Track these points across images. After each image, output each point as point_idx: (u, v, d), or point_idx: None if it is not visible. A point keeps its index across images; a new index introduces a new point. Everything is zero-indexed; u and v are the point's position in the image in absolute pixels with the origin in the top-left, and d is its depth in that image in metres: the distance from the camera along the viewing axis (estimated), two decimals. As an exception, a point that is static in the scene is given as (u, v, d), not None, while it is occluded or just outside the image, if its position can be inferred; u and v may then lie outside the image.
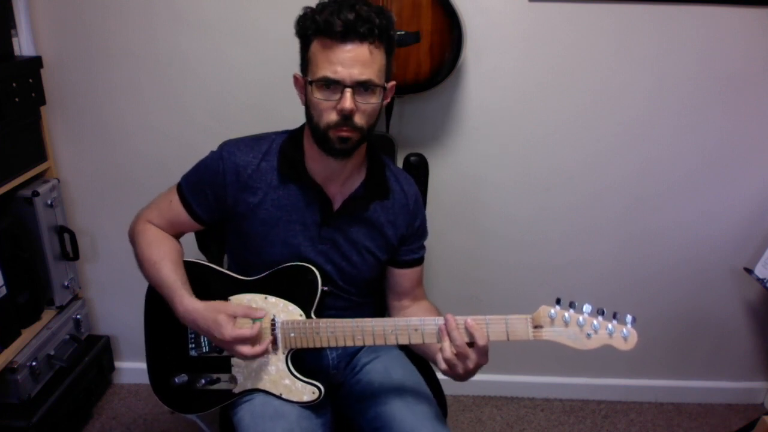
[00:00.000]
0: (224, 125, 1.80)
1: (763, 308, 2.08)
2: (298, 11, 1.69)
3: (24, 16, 1.68)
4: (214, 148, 1.30)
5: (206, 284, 1.24)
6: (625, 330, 1.06)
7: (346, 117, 1.09)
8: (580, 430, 2.07)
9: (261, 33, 1.73)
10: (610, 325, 1.06)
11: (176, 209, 1.26)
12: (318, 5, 1.11)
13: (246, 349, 1.12)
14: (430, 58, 1.55)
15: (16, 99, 1.61)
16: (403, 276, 1.35)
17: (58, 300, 1.86)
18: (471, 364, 1.08)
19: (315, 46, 1.10)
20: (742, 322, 2.10)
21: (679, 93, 1.79)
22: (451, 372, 1.09)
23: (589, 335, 1.07)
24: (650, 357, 2.14)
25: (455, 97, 1.79)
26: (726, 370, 2.18)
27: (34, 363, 1.71)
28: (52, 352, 1.80)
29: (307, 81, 1.11)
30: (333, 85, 1.08)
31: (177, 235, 1.31)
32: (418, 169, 1.53)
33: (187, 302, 1.16)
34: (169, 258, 1.22)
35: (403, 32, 1.50)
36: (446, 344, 1.07)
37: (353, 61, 1.06)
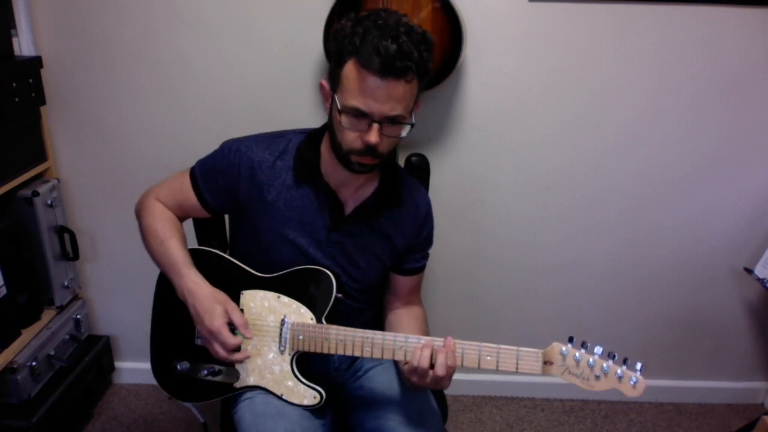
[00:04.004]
0: (224, 125, 1.79)
1: (763, 308, 2.08)
2: (298, 12, 1.70)
3: (24, 16, 1.68)
4: (214, 148, 1.30)
5: (221, 274, 1.24)
6: (634, 377, 1.05)
7: (370, 148, 1.09)
8: (580, 430, 2.07)
9: (261, 33, 1.73)
10: (619, 370, 1.05)
11: (186, 192, 1.27)
12: (360, 25, 1.05)
13: (218, 348, 1.15)
14: (430, 58, 1.55)
15: (16, 99, 1.61)
16: (401, 282, 1.36)
17: (58, 300, 1.86)
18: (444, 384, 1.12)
19: (349, 68, 1.06)
20: (742, 322, 2.10)
21: (679, 93, 1.79)
22: (419, 381, 1.12)
23: (597, 377, 1.06)
24: (650, 357, 2.13)
25: (455, 97, 1.79)
26: (726, 370, 2.18)
27: (34, 363, 1.71)
28: (52, 352, 1.80)
29: (335, 102, 1.09)
30: (362, 116, 1.07)
31: (183, 218, 1.32)
32: (420, 170, 1.53)
33: (196, 279, 1.18)
34: (177, 237, 1.24)
35: None
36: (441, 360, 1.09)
37: (387, 97, 1.04)
